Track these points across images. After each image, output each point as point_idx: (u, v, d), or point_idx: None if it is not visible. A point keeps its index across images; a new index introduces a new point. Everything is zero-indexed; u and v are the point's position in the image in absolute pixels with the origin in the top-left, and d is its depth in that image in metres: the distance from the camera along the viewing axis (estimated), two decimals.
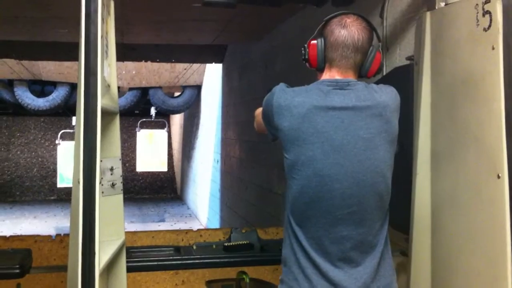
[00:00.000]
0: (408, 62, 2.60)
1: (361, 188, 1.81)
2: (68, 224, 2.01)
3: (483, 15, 1.91)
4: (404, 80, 2.48)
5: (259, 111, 2.08)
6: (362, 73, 1.91)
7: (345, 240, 1.81)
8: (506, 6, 1.85)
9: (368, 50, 1.88)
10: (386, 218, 1.90)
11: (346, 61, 1.87)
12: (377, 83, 1.97)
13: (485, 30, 1.91)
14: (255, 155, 6.90)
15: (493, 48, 1.87)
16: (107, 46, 2.09)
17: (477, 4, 1.94)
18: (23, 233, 9.83)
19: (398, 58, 2.98)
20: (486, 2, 1.90)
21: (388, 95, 1.87)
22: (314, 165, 1.80)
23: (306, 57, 1.94)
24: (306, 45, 1.94)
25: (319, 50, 1.90)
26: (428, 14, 2.29)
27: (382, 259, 1.86)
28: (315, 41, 1.91)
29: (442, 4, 2.24)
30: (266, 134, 1.99)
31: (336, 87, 1.83)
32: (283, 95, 1.86)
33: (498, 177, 1.85)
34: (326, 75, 1.91)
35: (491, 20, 1.88)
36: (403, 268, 2.47)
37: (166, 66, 10.94)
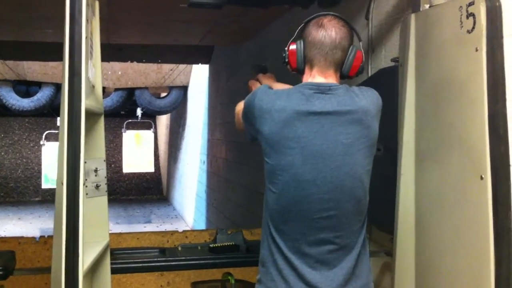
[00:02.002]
0: (393, 63, 2.62)
1: (339, 193, 1.82)
2: (53, 226, 1.99)
3: (467, 17, 1.93)
4: (389, 82, 2.49)
5: (240, 107, 2.06)
6: (344, 72, 1.91)
7: (323, 243, 1.82)
8: (489, 9, 1.87)
9: (348, 48, 1.88)
10: (364, 221, 1.92)
11: (324, 59, 1.87)
12: (362, 84, 1.97)
13: (469, 32, 1.92)
14: (242, 156, 6.91)
15: (476, 50, 1.88)
16: (91, 47, 2.08)
17: (461, 6, 1.95)
18: (7, 235, 9.75)
19: (383, 59, 3.00)
20: (470, 5, 1.91)
21: (368, 99, 1.88)
22: (294, 170, 1.80)
23: (286, 60, 1.95)
24: (286, 49, 1.94)
25: (298, 51, 1.90)
26: (413, 16, 2.30)
27: (359, 261, 1.87)
28: (294, 43, 1.92)
29: (427, 6, 2.25)
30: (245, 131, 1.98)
31: (318, 91, 1.83)
32: (265, 98, 1.85)
33: (481, 178, 1.86)
34: (308, 76, 1.91)
35: (474, 22, 1.89)
36: (388, 268, 2.48)
37: (152, 66, 10.91)
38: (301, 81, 1.94)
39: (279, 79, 2.27)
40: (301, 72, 1.94)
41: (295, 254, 1.83)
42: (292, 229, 1.83)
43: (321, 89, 1.83)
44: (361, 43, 1.97)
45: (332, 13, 1.91)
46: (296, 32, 1.94)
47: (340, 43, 1.86)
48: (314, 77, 1.89)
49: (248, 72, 7.48)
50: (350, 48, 1.88)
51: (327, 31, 1.85)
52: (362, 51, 1.93)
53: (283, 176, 1.82)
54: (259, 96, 1.87)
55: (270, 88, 1.92)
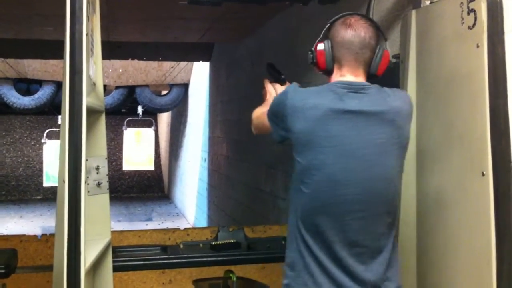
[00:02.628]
0: (394, 60, 2.61)
1: (371, 194, 1.80)
2: (54, 224, 1.99)
3: (468, 13, 1.93)
4: (390, 78, 2.48)
5: (260, 111, 2.05)
6: (371, 71, 1.89)
7: (353, 245, 1.80)
8: (490, 4, 1.87)
9: (375, 47, 1.87)
10: (394, 223, 1.89)
11: (355, 58, 1.86)
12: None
13: (469, 28, 1.92)
14: (243, 153, 6.90)
15: (477, 46, 1.88)
16: (92, 44, 2.08)
17: (462, 2, 1.95)
18: (9, 233, 9.76)
19: None
20: (471, 1, 1.91)
21: (401, 100, 1.87)
22: (326, 170, 1.78)
23: (314, 60, 1.93)
24: (313, 49, 1.92)
25: (326, 51, 1.89)
26: (413, 12, 2.30)
27: (389, 265, 1.85)
28: (321, 44, 1.90)
29: (427, 2, 2.25)
30: (269, 134, 1.96)
31: (351, 90, 1.81)
32: (297, 96, 1.83)
33: (483, 174, 1.86)
34: (337, 76, 1.89)
35: (475, 18, 1.89)
36: None
37: (153, 64, 10.90)
38: (312, 78, 1.93)
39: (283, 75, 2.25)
40: (329, 73, 1.92)
41: (326, 256, 1.80)
42: (324, 231, 1.80)
43: (354, 88, 1.82)
44: (387, 42, 1.95)
45: (357, 12, 1.91)
46: (322, 32, 1.92)
47: (369, 42, 1.85)
48: (345, 76, 1.87)
49: (246, 70, 7.44)
50: (378, 48, 1.88)
51: (356, 31, 1.85)
52: (389, 50, 1.93)
53: (316, 175, 1.79)
54: (290, 94, 1.85)
55: (300, 86, 1.91)
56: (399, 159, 1.86)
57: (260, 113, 2.04)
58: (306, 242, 1.82)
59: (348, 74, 1.87)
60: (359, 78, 1.87)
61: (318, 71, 1.96)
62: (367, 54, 1.86)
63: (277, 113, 1.88)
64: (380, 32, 1.92)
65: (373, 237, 1.82)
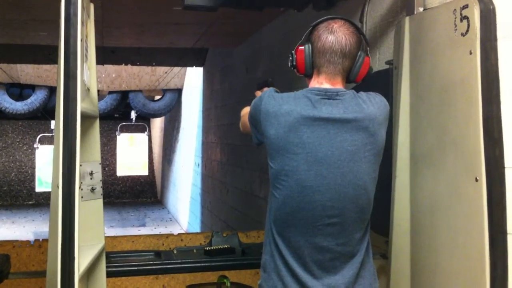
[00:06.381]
0: (387, 66, 2.63)
1: (342, 200, 1.80)
2: (47, 229, 1.98)
3: (461, 20, 1.94)
4: (383, 84, 2.50)
5: (245, 111, 2.05)
6: (350, 78, 1.88)
7: (324, 250, 1.81)
8: (483, 12, 1.88)
9: (356, 55, 1.84)
10: (367, 229, 1.90)
11: (334, 67, 1.84)
12: (357, 87, 1.97)
13: (463, 35, 1.94)
14: (237, 158, 6.90)
15: (470, 53, 1.89)
16: (86, 49, 2.08)
17: (455, 9, 1.97)
18: (1, 239, 9.69)
19: (378, 62, 3.01)
20: (464, 8, 1.93)
21: (376, 106, 1.85)
22: (297, 176, 1.78)
23: (294, 63, 1.91)
24: (293, 52, 1.91)
25: (306, 56, 1.87)
26: (407, 19, 2.31)
27: (362, 268, 1.85)
28: (302, 47, 1.88)
29: (421, 9, 2.26)
30: (250, 135, 1.97)
31: (325, 96, 1.80)
32: (272, 101, 1.83)
33: (476, 180, 1.87)
34: (315, 82, 1.88)
35: (468, 25, 1.91)
36: (383, 271, 2.48)
37: (146, 69, 10.90)
38: (305, 85, 1.91)
39: (277, 81, 2.26)
40: (308, 77, 1.91)
41: (297, 261, 1.81)
42: (295, 236, 1.82)
43: (328, 95, 1.81)
44: (368, 48, 1.93)
45: (342, 17, 1.88)
46: (304, 35, 1.90)
47: (350, 51, 1.82)
48: (322, 84, 1.86)
49: (241, 75, 7.43)
50: (358, 55, 1.84)
51: (337, 38, 1.81)
52: (370, 56, 1.90)
53: (287, 181, 1.80)
54: (265, 99, 1.85)
55: (277, 91, 1.90)
56: (373, 165, 1.84)
57: (245, 112, 2.04)
58: (278, 245, 1.84)
59: (325, 82, 1.85)
60: (337, 86, 1.86)
61: (298, 74, 1.95)
62: (347, 63, 1.84)
63: (254, 117, 1.89)
64: (363, 38, 1.90)
65: (346, 243, 1.82)
